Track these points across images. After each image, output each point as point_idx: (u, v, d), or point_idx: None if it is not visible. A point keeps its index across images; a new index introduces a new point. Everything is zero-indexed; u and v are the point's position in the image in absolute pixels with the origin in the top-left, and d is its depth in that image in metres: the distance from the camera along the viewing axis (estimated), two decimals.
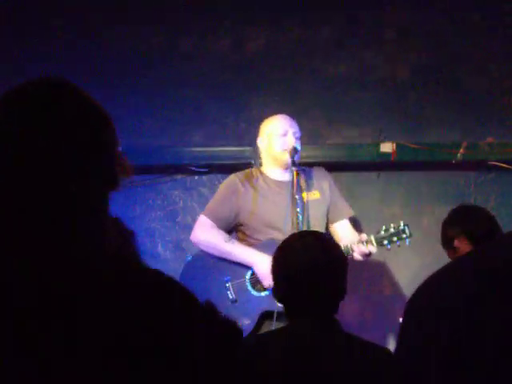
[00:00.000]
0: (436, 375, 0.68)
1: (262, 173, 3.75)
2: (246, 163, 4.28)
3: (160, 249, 4.47)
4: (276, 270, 2.27)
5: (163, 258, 4.44)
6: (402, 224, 3.62)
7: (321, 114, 4.48)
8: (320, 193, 3.75)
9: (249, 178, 3.74)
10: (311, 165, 4.11)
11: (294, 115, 3.88)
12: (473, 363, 0.66)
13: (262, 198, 3.64)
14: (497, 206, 4.44)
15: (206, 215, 3.68)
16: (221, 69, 4.50)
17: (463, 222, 3.28)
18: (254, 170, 3.81)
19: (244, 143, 4.43)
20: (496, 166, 4.38)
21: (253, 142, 4.43)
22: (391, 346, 3.36)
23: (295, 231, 3.43)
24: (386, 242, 3.53)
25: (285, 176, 3.66)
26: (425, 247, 4.41)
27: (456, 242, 3.24)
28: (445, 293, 0.72)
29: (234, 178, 3.74)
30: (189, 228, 4.13)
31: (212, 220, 3.64)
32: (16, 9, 4.49)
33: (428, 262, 4.27)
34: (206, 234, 3.62)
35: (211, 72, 4.50)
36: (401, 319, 0.81)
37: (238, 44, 4.51)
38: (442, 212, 4.53)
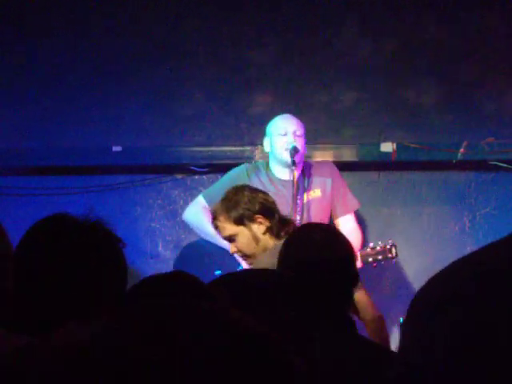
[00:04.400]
0: (438, 376, 0.68)
1: (268, 170, 3.76)
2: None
3: (160, 248, 4.47)
4: (285, 255, 2.16)
5: (163, 258, 4.44)
6: (389, 243, 3.59)
7: (321, 114, 4.48)
8: (321, 190, 3.75)
9: (257, 172, 3.76)
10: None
11: (294, 115, 3.89)
12: (475, 364, 0.67)
13: None
14: (497, 206, 4.44)
15: (203, 196, 3.78)
16: (221, 68, 4.50)
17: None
18: (263, 164, 3.82)
19: (244, 143, 4.43)
20: (496, 165, 4.38)
21: (253, 142, 4.44)
22: (391, 346, 3.36)
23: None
24: (370, 259, 3.53)
25: (289, 175, 3.67)
26: (425, 247, 4.42)
27: None
28: (449, 293, 0.72)
29: (242, 168, 3.78)
30: (189, 228, 4.13)
31: (207, 202, 3.69)
32: (15, 9, 4.48)
33: (428, 262, 4.27)
34: (195, 214, 3.66)
35: (211, 72, 4.50)
36: (401, 319, 0.81)
37: (238, 43, 4.51)
38: (442, 212, 4.54)
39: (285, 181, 3.66)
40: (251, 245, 3.20)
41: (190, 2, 4.53)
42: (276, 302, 1.59)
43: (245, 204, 3.18)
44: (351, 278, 2.17)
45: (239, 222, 3.19)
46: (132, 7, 4.52)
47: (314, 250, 2.14)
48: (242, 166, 3.80)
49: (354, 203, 3.85)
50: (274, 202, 3.28)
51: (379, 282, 4.37)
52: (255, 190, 3.31)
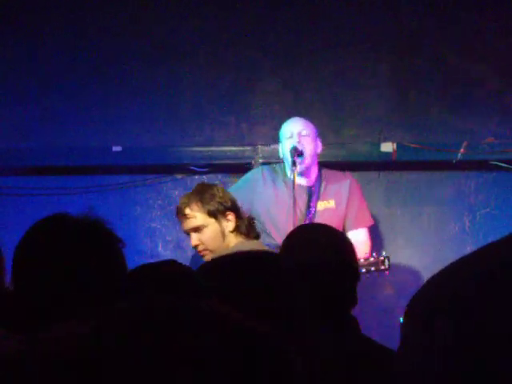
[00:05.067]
0: (438, 376, 0.68)
1: (284, 174, 3.75)
2: (247, 163, 4.28)
3: (160, 248, 4.47)
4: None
5: (163, 258, 4.43)
6: (383, 254, 3.57)
7: (321, 114, 4.47)
8: (336, 201, 3.73)
9: (272, 174, 3.75)
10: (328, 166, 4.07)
11: (294, 115, 3.89)
12: (475, 363, 0.67)
13: (276, 199, 3.64)
14: (497, 206, 4.44)
15: None
16: (221, 69, 4.50)
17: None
18: (281, 167, 3.79)
19: (244, 143, 4.43)
20: (496, 165, 4.38)
21: (253, 142, 4.44)
22: (391, 346, 3.36)
23: None
24: (363, 270, 3.51)
25: (303, 180, 3.66)
26: (425, 247, 4.41)
27: None
28: (449, 293, 0.72)
29: (259, 169, 3.79)
30: None
31: None
32: (15, 9, 4.48)
33: (428, 262, 4.27)
34: None
35: (211, 72, 4.50)
36: (401, 319, 0.81)
37: (238, 43, 4.51)
38: (442, 212, 4.54)
39: (299, 185, 3.65)
40: (217, 239, 3.22)
41: (189, 1, 4.53)
42: (277, 302, 1.59)
43: (219, 198, 3.22)
44: (354, 276, 2.17)
45: (212, 214, 3.21)
46: (132, 7, 4.52)
47: (317, 250, 2.14)
48: (259, 167, 3.82)
49: (367, 219, 3.83)
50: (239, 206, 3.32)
51: (379, 282, 4.36)
52: (225, 190, 3.36)
